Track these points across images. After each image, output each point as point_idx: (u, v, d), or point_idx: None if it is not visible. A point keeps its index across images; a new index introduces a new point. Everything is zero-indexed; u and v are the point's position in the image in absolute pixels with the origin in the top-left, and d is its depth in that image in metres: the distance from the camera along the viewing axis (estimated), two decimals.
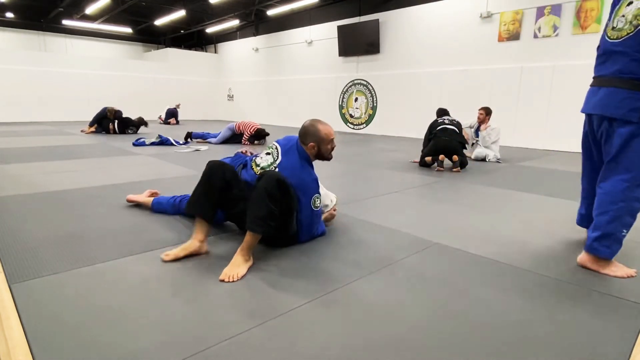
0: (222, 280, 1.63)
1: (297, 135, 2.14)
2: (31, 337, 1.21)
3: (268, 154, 2.13)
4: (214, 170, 1.94)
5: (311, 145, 2.06)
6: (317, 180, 2.09)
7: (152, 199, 2.66)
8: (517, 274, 1.78)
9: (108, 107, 8.18)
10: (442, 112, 5.29)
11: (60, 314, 1.35)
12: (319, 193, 2.07)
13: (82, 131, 8.36)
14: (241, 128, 6.82)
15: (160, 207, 2.58)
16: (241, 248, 1.76)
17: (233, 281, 1.63)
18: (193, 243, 1.86)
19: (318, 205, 2.06)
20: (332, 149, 2.13)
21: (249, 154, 2.37)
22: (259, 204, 1.76)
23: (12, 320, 1.30)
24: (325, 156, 2.12)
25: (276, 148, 2.12)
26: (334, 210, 2.42)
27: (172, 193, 2.77)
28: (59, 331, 1.25)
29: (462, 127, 5.08)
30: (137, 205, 2.72)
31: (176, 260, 1.80)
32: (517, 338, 1.27)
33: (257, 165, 2.11)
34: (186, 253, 1.83)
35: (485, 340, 1.26)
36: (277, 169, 2.01)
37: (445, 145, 4.55)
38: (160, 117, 12.00)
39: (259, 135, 6.79)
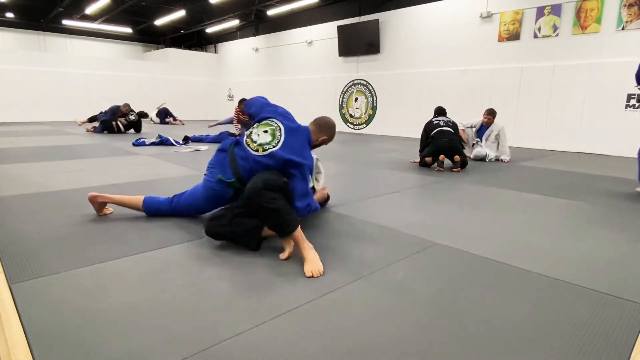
0: (311, 276, 1.68)
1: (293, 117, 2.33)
2: (31, 337, 1.21)
3: (265, 131, 2.14)
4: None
5: (323, 138, 2.31)
6: (314, 162, 2.27)
7: (134, 198, 2.46)
8: (517, 274, 1.78)
9: (121, 107, 8.16)
10: (439, 111, 5.28)
11: (60, 313, 1.35)
12: (311, 174, 2.20)
13: (87, 130, 8.27)
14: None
15: (156, 207, 2.44)
16: (302, 246, 1.83)
17: (320, 275, 1.69)
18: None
19: (312, 185, 2.23)
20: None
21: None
22: (271, 215, 1.82)
23: (12, 320, 1.30)
24: (318, 146, 2.36)
25: (278, 127, 2.17)
26: (325, 189, 2.46)
27: (173, 193, 2.76)
28: (59, 331, 1.25)
29: (459, 127, 5.10)
30: (125, 206, 2.49)
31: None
32: (516, 338, 1.27)
33: (254, 142, 2.14)
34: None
35: (485, 340, 1.26)
36: (277, 147, 2.09)
37: (447, 146, 4.55)
38: (151, 119, 11.65)
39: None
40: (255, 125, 2.23)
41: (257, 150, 2.11)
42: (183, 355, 1.14)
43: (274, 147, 2.09)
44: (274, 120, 2.20)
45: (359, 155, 5.78)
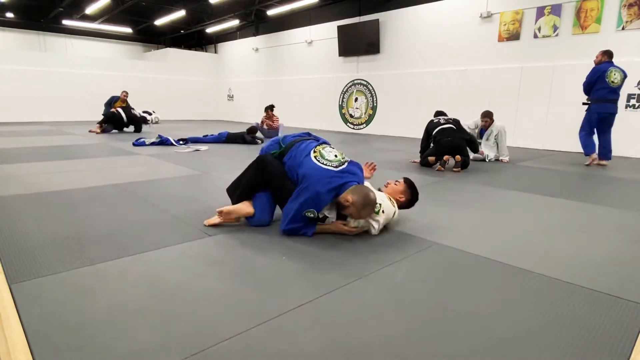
0: None
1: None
2: (31, 337, 1.21)
3: (335, 156, 2.34)
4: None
5: (347, 197, 2.08)
6: (328, 194, 2.14)
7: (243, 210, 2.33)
8: (517, 274, 1.78)
9: (121, 95, 8.61)
10: (438, 114, 5.29)
11: (60, 314, 1.35)
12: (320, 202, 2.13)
13: (90, 131, 8.31)
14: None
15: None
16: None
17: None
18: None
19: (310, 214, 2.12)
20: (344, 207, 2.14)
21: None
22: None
23: (12, 320, 1.30)
24: (341, 206, 2.14)
25: (348, 160, 2.35)
26: (346, 226, 2.22)
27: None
28: (59, 331, 1.25)
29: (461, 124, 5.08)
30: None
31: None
32: (516, 338, 1.27)
33: (323, 157, 2.30)
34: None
35: (485, 340, 1.26)
36: (343, 166, 2.26)
37: (450, 146, 4.54)
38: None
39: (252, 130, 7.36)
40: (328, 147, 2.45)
41: (318, 160, 2.28)
42: (183, 355, 1.14)
43: (335, 166, 2.25)
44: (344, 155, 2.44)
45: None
